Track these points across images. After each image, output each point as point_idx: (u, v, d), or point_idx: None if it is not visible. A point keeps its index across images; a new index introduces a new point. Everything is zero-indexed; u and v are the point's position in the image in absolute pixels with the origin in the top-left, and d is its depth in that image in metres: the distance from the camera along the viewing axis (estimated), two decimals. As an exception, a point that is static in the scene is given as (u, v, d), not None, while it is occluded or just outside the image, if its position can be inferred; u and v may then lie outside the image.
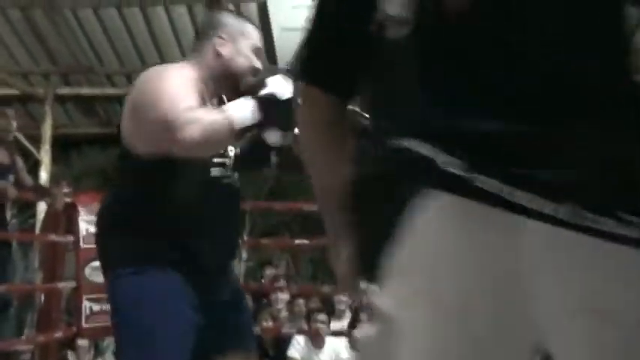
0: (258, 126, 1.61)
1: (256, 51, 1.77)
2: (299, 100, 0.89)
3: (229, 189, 1.76)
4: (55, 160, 6.75)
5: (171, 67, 1.76)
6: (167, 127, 1.52)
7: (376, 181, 0.72)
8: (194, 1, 5.91)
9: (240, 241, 1.92)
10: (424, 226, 0.66)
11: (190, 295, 1.64)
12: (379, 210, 0.71)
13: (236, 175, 1.78)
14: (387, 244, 0.68)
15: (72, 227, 4.17)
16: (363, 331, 0.74)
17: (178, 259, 1.64)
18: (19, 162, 3.94)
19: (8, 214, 4.08)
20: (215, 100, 1.78)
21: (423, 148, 0.63)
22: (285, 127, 1.62)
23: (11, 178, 3.71)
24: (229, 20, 1.80)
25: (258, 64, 1.76)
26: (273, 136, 1.65)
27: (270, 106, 1.59)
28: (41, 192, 4.01)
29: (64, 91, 6.90)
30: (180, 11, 6.03)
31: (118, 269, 1.68)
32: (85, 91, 6.72)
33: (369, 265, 0.72)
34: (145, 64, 6.59)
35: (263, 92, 1.61)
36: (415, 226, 0.66)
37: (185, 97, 1.58)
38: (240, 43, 1.74)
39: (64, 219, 4.18)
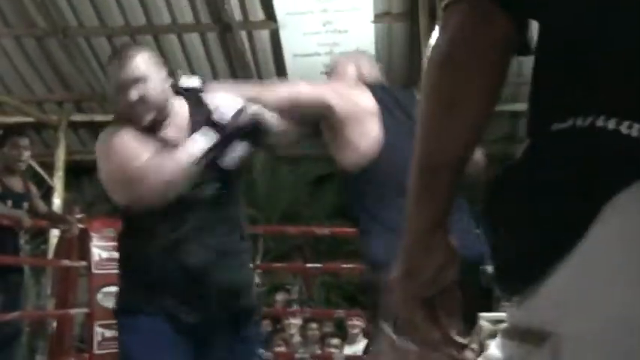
0: (216, 146, 1.61)
1: (122, 86, 1.66)
2: (459, 21, 0.70)
3: (201, 204, 1.67)
4: (67, 186, 6.80)
5: (111, 131, 1.71)
6: (128, 186, 1.59)
7: (551, 170, 0.59)
8: (206, 28, 5.98)
9: (246, 249, 1.83)
10: (625, 227, 0.53)
11: (177, 342, 1.67)
12: (553, 204, 0.58)
13: (213, 185, 1.69)
14: (561, 247, 0.55)
15: (84, 253, 4.18)
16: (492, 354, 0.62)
17: (164, 307, 1.67)
18: (33, 189, 3.97)
19: (21, 241, 4.10)
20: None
21: (630, 130, 0.54)
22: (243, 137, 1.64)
23: (26, 205, 3.73)
24: (109, 71, 1.79)
25: (128, 97, 1.65)
26: (235, 152, 1.64)
27: (220, 124, 1.61)
28: (56, 219, 4.03)
29: (78, 118, 6.97)
30: (193, 38, 6.10)
31: (115, 307, 1.80)
32: (99, 117, 6.78)
33: (523, 271, 0.60)
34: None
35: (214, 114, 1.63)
36: (611, 225, 0.54)
37: (135, 152, 1.62)
38: (113, 89, 1.70)
39: (77, 245, 4.19)
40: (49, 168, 6.81)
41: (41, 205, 3.97)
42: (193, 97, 1.75)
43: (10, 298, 3.56)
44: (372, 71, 1.92)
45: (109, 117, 1.83)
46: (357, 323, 4.82)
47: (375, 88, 1.79)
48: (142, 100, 1.64)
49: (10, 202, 3.61)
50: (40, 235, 7.18)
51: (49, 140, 7.22)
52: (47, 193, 6.86)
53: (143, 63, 1.66)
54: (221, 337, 1.72)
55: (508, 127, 6.76)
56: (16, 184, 3.73)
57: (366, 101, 1.74)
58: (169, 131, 1.71)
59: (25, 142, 3.80)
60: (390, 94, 1.79)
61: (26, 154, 3.78)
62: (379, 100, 1.74)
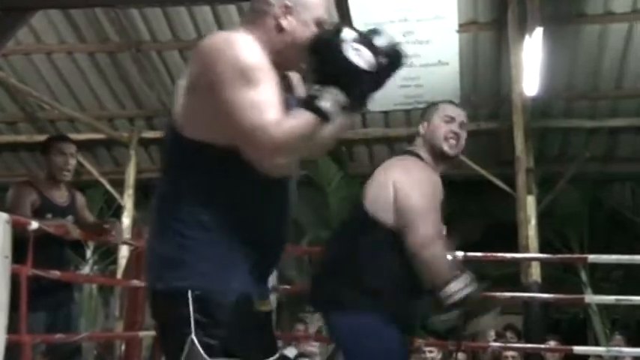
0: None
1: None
2: None
3: None
4: (137, 204, 7.03)
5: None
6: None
7: None
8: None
9: None
10: None
11: None
12: None
13: None
14: None
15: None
16: None
17: None
18: (80, 200, 3.59)
19: (88, 257, 4.11)
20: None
21: None
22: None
23: (70, 218, 3.38)
24: None
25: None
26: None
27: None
28: (97, 227, 3.71)
29: (149, 134, 7.21)
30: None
31: None
32: (169, 134, 7.01)
33: None
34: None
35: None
36: None
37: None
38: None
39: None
40: (119, 186, 7.08)
41: (88, 216, 3.63)
42: None
43: (58, 316, 3.40)
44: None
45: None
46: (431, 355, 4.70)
47: None
48: None
49: (49, 216, 3.31)
50: (110, 255, 7.44)
51: (119, 157, 7.51)
52: (117, 212, 7.12)
53: None
54: None
55: (605, 146, 6.48)
56: (58, 195, 3.44)
57: None
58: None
59: (71, 148, 3.47)
60: None
61: (72, 162, 3.46)
62: None
